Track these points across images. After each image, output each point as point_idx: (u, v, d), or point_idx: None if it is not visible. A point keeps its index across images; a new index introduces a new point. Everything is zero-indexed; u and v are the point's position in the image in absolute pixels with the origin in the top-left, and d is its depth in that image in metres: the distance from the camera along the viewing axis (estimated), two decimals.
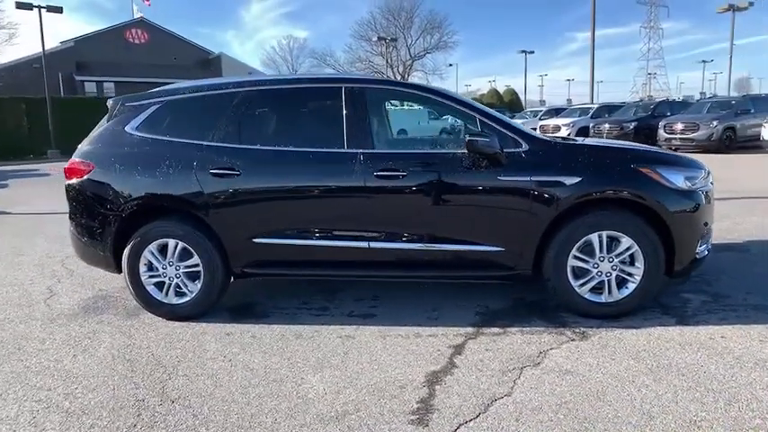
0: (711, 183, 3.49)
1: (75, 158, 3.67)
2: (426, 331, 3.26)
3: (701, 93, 54.10)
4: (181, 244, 3.48)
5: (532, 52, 58.59)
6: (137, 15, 39.23)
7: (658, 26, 73.02)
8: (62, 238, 6.37)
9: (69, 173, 3.65)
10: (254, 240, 3.44)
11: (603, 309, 3.30)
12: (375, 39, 40.56)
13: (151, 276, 3.55)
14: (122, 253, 3.55)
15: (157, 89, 3.80)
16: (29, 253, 5.72)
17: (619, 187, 3.18)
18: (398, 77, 50.57)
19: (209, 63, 40.49)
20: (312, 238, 3.41)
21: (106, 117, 3.74)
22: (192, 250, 3.47)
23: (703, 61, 70.80)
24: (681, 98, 29.42)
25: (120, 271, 3.68)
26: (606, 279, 3.27)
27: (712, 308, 3.44)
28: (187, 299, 3.55)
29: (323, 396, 2.55)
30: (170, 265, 3.53)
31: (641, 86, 74.94)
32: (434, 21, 49.56)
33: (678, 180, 3.23)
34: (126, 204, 3.48)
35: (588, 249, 3.26)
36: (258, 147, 3.43)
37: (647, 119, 17.31)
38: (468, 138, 3.14)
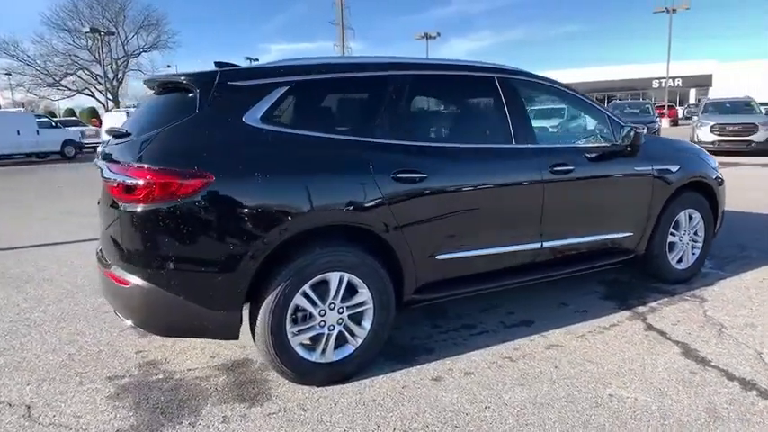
0: None
1: (154, 166, 2.21)
2: (600, 323, 3.28)
3: None
4: (347, 276, 2.54)
5: (257, 59, 59.45)
6: None
7: (348, 45, 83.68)
8: None
9: (156, 191, 2.18)
10: (437, 257, 2.80)
11: (683, 274, 3.95)
12: (87, 30, 33.80)
13: (299, 331, 2.49)
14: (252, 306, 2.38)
15: (270, 64, 2.62)
16: None
17: (700, 172, 3.87)
18: (112, 77, 44.02)
19: None
20: (494, 246, 2.99)
21: (192, 101, 2.37)
22: (360, 282, 2.58)
23: None
24: None
25: (237, 336, 2.44)
26: (685, 249, 3.94)
27: (740, 258, 4.52)
28: (351, 350, 2.63)
29: (656, 404, 2.38)
30: (330, 309, 2.54)
31: None
32: (152, 17, 44.94)
33: (714, 164, 4.13)
34: (278, 230, 2.33)
35: (675, 226, 3.85)
36: (439, 144, 2.80)
37: None
38: (634, 132, 3.30)
